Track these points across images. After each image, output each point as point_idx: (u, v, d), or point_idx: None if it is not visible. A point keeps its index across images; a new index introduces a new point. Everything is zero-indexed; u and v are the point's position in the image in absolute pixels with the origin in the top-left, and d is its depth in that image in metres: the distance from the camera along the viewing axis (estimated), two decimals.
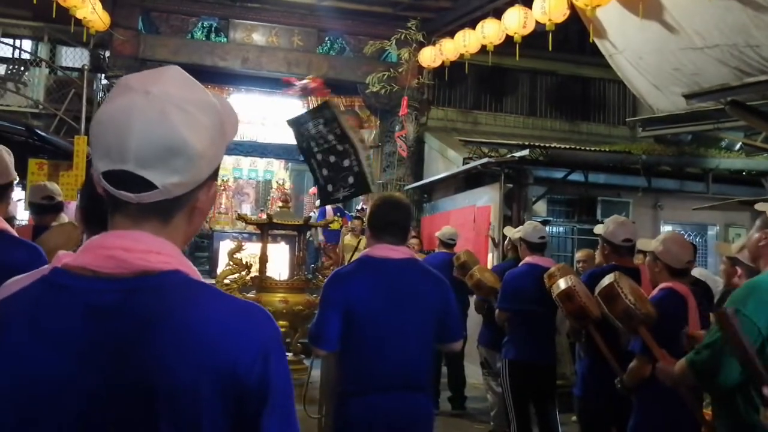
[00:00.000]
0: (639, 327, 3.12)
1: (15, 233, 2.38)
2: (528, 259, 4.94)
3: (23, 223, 6.41)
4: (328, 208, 12.13)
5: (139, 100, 0.95)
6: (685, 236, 6.37)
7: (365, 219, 3.10)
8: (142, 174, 0.94)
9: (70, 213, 4.60)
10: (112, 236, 0.99)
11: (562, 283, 3.88)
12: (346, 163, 5.33)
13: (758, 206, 2.58)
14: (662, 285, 3.31)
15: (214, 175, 1.05)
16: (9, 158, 2.45)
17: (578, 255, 6.63)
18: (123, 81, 0.99)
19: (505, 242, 5.66)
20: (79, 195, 2.29)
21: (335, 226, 10.44)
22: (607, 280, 3.30)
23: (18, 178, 2.57)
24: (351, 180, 5.34)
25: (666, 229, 8.98)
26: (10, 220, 2.73)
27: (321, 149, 5.41)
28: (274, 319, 1.02)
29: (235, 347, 0.94)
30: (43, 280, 0.98)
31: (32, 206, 4.26)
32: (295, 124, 5.56)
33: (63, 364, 0.91)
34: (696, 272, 5.22)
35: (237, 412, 0.93)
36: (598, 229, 4.18)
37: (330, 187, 5.47)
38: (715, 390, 2.37)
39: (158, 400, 0.90)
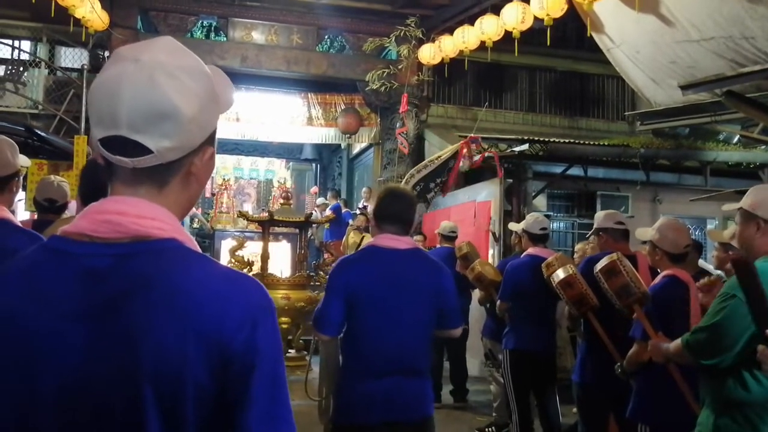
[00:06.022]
0: (634, 305, 3.24)
1: (18, 222, 2.42)
2: (530, 250, 4.98)
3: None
4: (341, 203, 12.45)
5: (129, 68, 0.98)
6: None
7: (368, 216, 3.22)
8: (136, 138, 0.97)
9: (72, 212, 4.61)
10: (108, 202, 1.02)
11: (561, 273, 3.97)
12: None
13: (725, 207, 2.67)
14: (664, 272, 3.34)
15: (209, 140, 1.08)
16: (10, 150, 2.48)
17: (576, 247, 6.70)
18: (116, 51, 1.03)
19: (512, 237, 5.72)
20: (78, 179, 2.33)
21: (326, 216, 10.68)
22: (607, 258, 3.45)
23: (25, 170, 2.60)
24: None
25: None
26: (13, 213, 2.77)
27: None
28: (265, 290, 1.03)
29: (222, 312, 0.96)
30: (42, 246, 1.02)
31: (35, 203, 4.29)
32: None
33: (52, 322, 0.94)
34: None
35: (223, 376, 0.95)
36: (591, 231, 4.31)
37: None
38: (708, 369, 2.43)
39: (143, 358, 0.92)
